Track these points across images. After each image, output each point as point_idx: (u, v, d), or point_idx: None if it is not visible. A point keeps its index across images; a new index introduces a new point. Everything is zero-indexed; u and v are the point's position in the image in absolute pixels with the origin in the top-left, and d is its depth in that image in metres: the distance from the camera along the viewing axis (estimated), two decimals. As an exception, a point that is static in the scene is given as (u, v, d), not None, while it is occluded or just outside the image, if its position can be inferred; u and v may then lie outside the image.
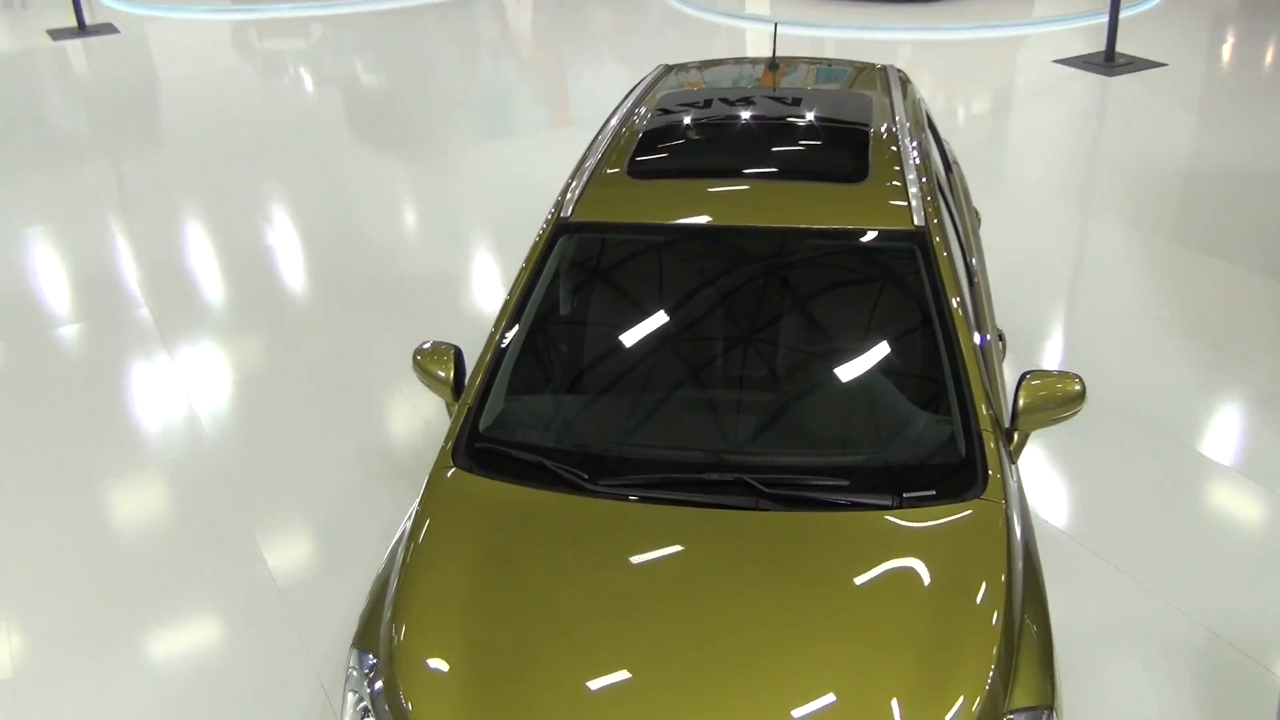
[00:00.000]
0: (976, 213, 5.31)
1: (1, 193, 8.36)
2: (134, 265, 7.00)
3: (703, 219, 3.58)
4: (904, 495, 2.94)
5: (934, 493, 2.95)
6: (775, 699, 2.45)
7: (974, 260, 4.10)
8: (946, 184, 4.31)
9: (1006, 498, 2.92)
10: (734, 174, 3.81)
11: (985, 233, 5.64)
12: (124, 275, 6.86)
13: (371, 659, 2.79)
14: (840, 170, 3.75)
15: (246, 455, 5.01)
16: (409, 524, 3.05)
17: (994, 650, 2.55)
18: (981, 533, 2.85)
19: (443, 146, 9.09)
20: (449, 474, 3.14)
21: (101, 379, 5.66)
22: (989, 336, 3.72)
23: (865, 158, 3.78)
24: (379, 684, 2.70)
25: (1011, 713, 2.53)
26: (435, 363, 3.44)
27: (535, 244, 3.66)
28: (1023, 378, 3.19)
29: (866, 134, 3.97)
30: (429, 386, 3.44)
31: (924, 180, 3.68)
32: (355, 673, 2.79)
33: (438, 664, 2.64)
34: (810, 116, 4.23)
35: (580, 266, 3.69)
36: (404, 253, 7.12)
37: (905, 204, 3.54)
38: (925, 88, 9.49)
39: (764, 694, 2.46)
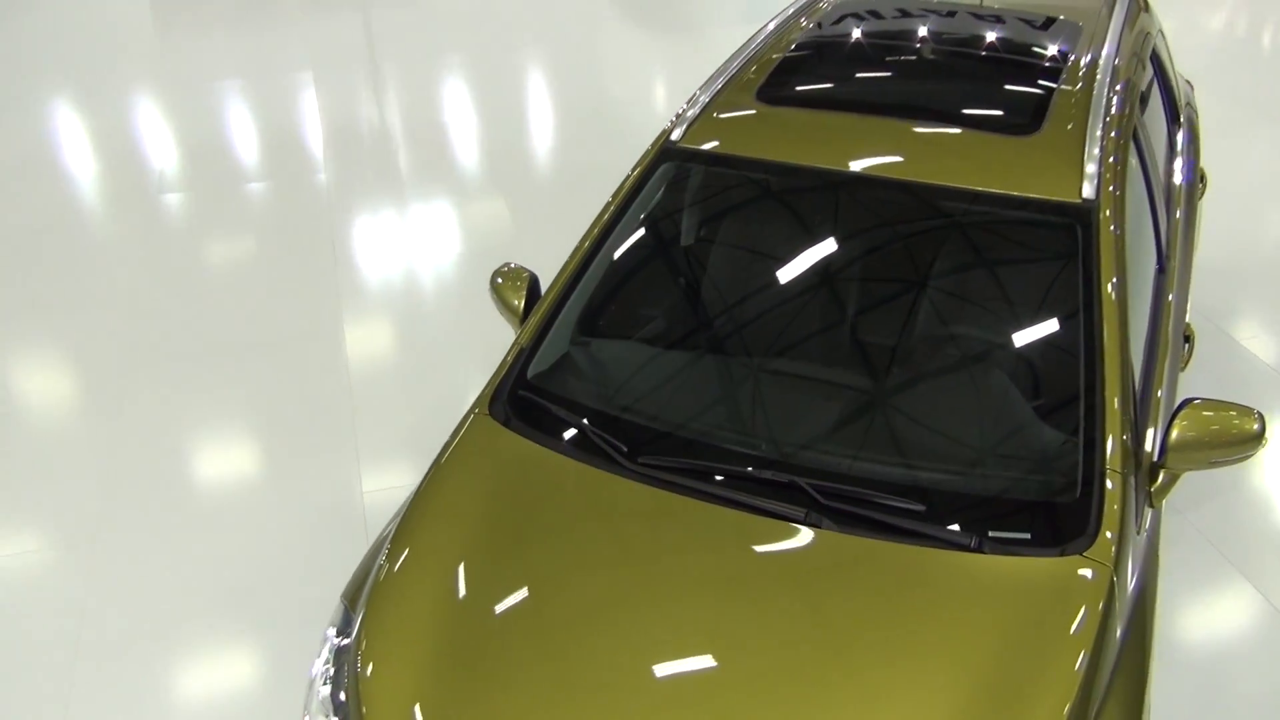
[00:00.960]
0: (1203, 174, 4.28)
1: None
2: (387, 118, 7.18)
3: (824, 163, 3.03)
4: (989, 534, 2.44)
5: (1028, 535, 2.46)
6: None
7: (1168, 241, 3.42)
8: (1164, 142, 3.58)
9: (1118, 560, 2.38)
10: (881, 109, 3.19)
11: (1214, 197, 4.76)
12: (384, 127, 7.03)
13: (351, 615, 2.53)
14: (1011, 119, 3.13)
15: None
16: (430, 470, 2.72)
17: None
18: (1068, 600, 2.31)
19: (698, 24, 8.80)
20: (477, 421, 2.81)
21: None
22: (1171, 339, 3.16)
23: (1046, 105, 3.13)
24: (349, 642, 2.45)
25: None
26: (510, 289, 3.06)
27: (635, 168, 3.18)
28: (1183, 406, 2.62)
29: (1058, 74, 3.28)
30: (503, 315, 3.06)
31: (1112, 139, 3.00)
32: (333, 629, 2.55)
33: (404, 641, 2.36)
34: (997, 46, 3.52)
35: (678, 201, 3.21)
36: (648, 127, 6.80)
37: (1077, 170, 2.89)
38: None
39: None
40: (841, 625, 2.26)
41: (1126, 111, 3.20)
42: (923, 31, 3.64)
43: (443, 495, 2.68)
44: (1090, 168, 2.91)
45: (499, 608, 2.40)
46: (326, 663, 2.50)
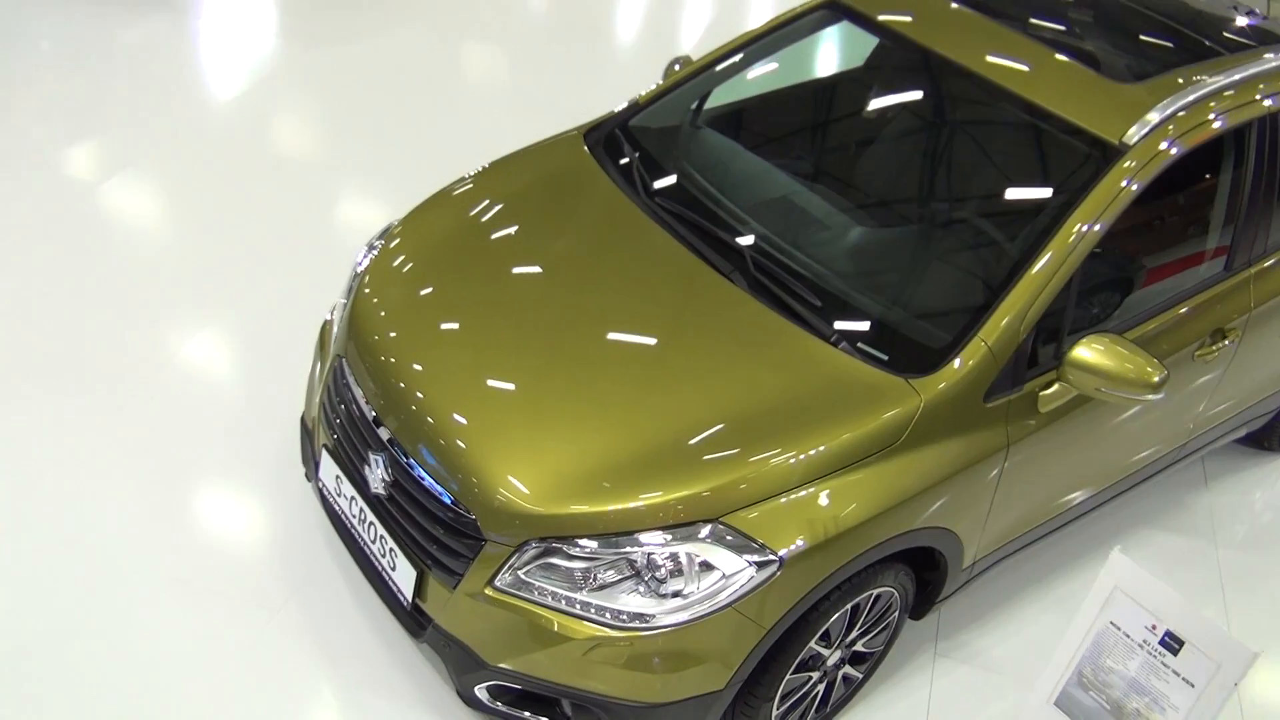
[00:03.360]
0: None
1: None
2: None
3: (942, 49, 3.48)
4: (857, 344, 2.95)
5: (886, 358, 2.93)
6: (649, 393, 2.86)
7: (1241, 254, 3.56)
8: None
9: (939, 403, 2.84)
10: (1031, 30, 3.57)
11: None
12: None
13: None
14: (1127, 66, 3.44)
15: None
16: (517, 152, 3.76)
17: (778, 476, 2.70)
18: (872, 402, 2.82)
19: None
20: (569, 139, 3.72)
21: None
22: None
23: (1169, 68, 3.39)
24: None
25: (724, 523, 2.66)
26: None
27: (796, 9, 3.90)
28: (1094, 337, 2.95)
29: (1205, 54, 3.53)
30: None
31: (1202, 114, 3.22)
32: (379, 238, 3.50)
33: (406, 257, 3.30)
34: (1172, 12, 3.80)
35: (814, 44, 3.88)
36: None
37: (1135, 117, 3.14)
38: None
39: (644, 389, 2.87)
40: (711, 341, 2.98)
41: (1242, 105, 3.34)
42: None
43: (509, 169, 3.61)
44: (1152, 116, 3.14)
45: (495, 245, 3.29)
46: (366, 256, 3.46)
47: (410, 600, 2.89)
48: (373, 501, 2.99)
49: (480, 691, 2.85)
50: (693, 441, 2.73)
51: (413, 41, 7.02)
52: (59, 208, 4.96)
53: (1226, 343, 3.50)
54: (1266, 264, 3.60)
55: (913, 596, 3.19)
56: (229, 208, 5.13)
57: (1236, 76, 3.36)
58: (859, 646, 3.15)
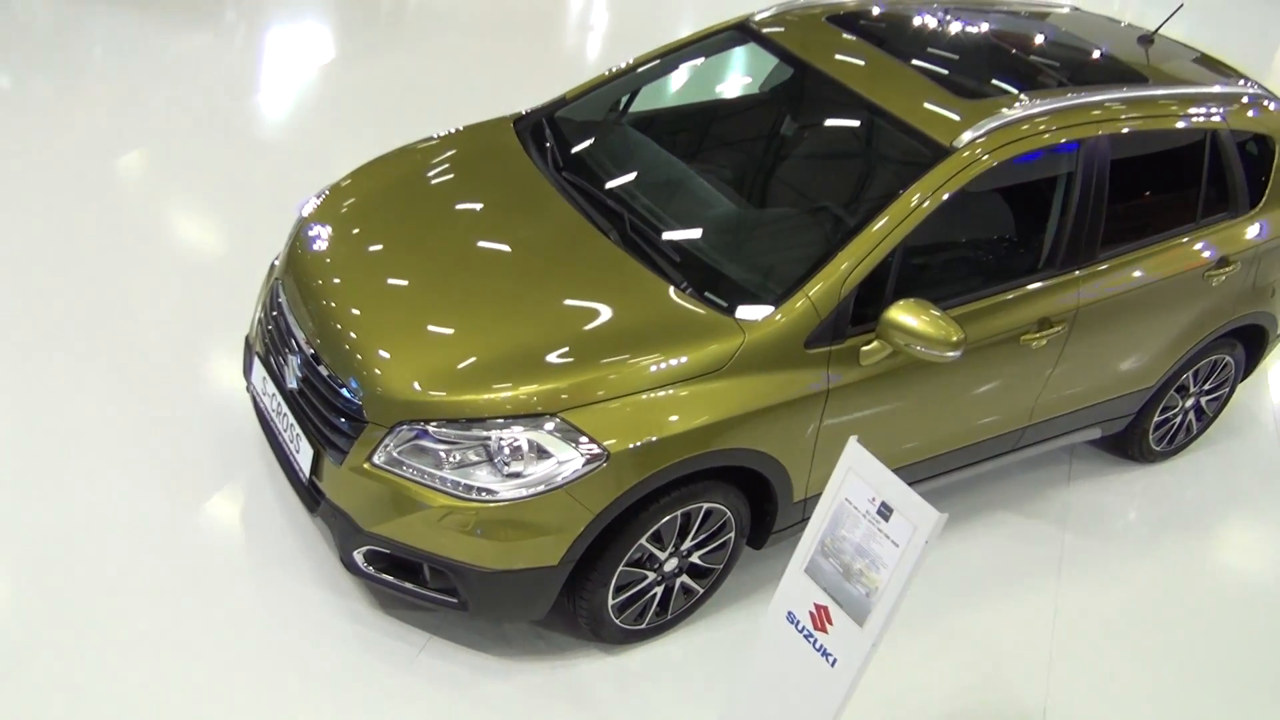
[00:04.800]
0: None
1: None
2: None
3: (825, 68, 4.10)
4: (704, 292, 3.50)
5: (725, 304, 3.46)
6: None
7: (1073, 255, 4.03)
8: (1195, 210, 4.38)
9: (761, 343, 3.36)
10: (903, 53, 4.20)
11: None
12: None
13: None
14: (973, 86, 4.01)
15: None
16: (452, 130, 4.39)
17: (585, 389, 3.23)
18: (704, 335, 3.36)
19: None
20: (501, 121, 4.36)
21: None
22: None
23: (1011, 90, 3.97)
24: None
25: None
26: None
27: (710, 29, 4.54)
28: (907, 301, 3.45)
29: (1047, 74, 4.24)
30: None
31: (1032, 128, 3.77)
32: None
33: (350, 200, 3.92)
34: (1025, 44, 4.59)
35: (722, 59, 4.54)
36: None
37: (969, 127, 3.69)
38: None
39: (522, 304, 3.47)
40: (580, 279, 3.57)
41: (1066, 128, 3.89)
42: (958, 25, 4.56)
43: (450, 141, 4.25)
44: (982, 126, 3.71)
45: (422, 198, 3.94)
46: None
47: (308, 476, 3.43)
48: (288, 396, 3.55)
49: (358, 556, 3.37)
50: (547, 348, 3.29)
51: (453, 56, 7.70)
52: (100, 203, 5.64)
53: (1054, 330, 3.99)
54: (1098, 268, 4.10)
55: (748, 522, 3.68)
56: (260, 213, 5.67)
57: (1066, 104, 3.91)
58: (696, 559, 3.64)
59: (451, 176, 4.03)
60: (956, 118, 3.77)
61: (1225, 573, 4.62)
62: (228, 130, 6.35)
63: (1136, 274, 4.20)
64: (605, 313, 3.43)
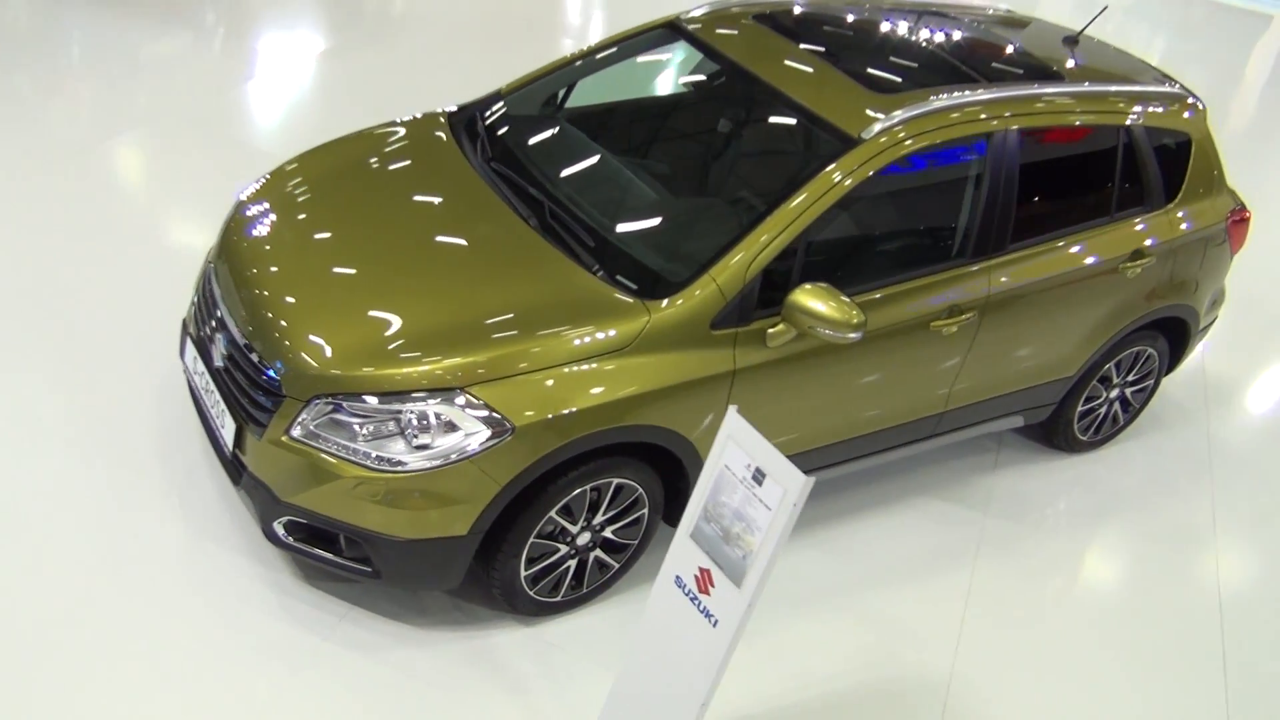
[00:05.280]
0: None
1: None
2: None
3: (746, 64, 4.24)
4: (615, 276, 3.64)
5: (636, 287, 3.61)
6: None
7: (984, 243, 4.17)
8: (1109, 203, 4.51)
9: (667, 325, 3.50)
10: (825, 51, 4.32)
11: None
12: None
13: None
14: (889, 82, 4.18)
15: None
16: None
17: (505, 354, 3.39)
18: (612, 315, 3.50)
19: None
20: (431, 116, 4.52)
21: None
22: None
23: (923, 85, 4.14)
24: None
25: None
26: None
27: (640, 27, 4.65)
28: (811, 285, 3.58)
29: (959, 71, 4.36)
30: None
31: (939, 123, 3.93)
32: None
33: (281, 188, 4.09)
34: (933, 40, 4.70)
35: (654, 55, 4.70)
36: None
37: (872, 119, 3.86)
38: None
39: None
40: (497, 263, 3.73)
41: (974, 121, 4.03)
42: (886, 25, 4.73)
43: (385, 133, 4.40)
44: (890, 117, 3.85)
45: (356, 184, 4.10)
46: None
47: (231, 450, 3.57)
48: (215, 373, 3.69)
49: (278, 527, 3.51)
50: (459, 326, 3.43)
51: (435, 56, 7.88)
52: (82, 204, 5.79)
53: (964, 317, 4.12)
54: (1009, 257, 4.24)
55: (661, 499, 3.81)
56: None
57: (976, 98, 4.05)
58: (610, 534, 3.77)
59: (390, 167, 4.17)
60: (868, 110, 3.91)
61: (1141, 561, 4.74)
62: (207, 127, 6.50)
63: (1048, 264, 4.34)
64: (518, 294, 3.56)
